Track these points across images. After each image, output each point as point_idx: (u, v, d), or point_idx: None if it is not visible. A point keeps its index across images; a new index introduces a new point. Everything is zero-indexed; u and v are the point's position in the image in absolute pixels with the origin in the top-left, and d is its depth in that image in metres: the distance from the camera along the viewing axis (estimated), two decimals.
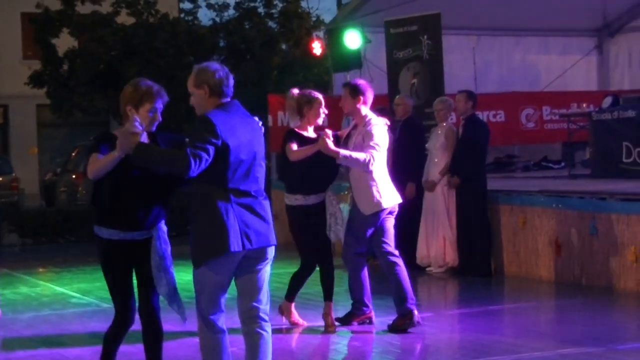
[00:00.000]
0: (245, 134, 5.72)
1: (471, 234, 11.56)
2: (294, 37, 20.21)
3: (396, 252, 8.56)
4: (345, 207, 12.45)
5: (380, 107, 13.18)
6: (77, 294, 11.18)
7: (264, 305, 5.79)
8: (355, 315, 8.66)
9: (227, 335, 5.82)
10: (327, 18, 20.68)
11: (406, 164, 12.31)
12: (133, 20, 20.25)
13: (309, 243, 8.53)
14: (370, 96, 8.48)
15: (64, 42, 21.54)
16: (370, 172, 8.24)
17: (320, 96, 8.59)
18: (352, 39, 16.53)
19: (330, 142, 7.94)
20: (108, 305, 10.16)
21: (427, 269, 11.98)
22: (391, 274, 8.49)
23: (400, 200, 8.63)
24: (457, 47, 18.21)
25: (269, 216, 5.79)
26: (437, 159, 11.96)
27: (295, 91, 8.68)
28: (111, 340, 6.17)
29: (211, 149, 5.54)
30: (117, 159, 5.74)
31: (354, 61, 16.79)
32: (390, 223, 8.54)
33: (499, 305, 10.11)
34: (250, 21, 20.43)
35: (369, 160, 8.13)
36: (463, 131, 11.75)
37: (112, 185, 5.90)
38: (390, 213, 8.53)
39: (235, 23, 20.38)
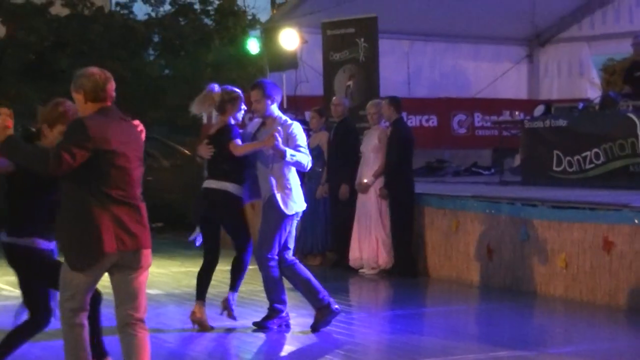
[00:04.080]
0: (121, 138, 5.76)
1: (398, 236, 11.72)
2: (229, 35, 20.19)
3: (291, 257, 8.44)
4: None
5: (317, 108, 13.30)
6: (7, 287, 11.01)
7: (140, 313, 5.79)
8: (271, 317, 8.50)
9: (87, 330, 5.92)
10: (263, 17, 20.68)
11: (340, 165, 12.40)
12: (67, 12, 20.08)
13: (244, 232, 8.63)
14: (279, 96, 8.54)
15: None
16: (287, 174, 8.27)
17: (240, 92, 8.63)
18: (289, 39, 16.55)
19: (280, 142, 8.01)
20: None
21: (360, 270, 12.06)
22: (294, 277, 8.44)
23: (304, 207, 8.58)
24: (391, 51, 18.33)
25: (146, 220, 5.83)
26: (370, 161, 12.06)
27: (217, 87, 8.67)
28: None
29: (78, 153, 5.60)
30: None
31: (290, 61, 16.81)
32: (293, 227, 8.48)
33: (430, 308, 10.23)
34: (186, 17, 20.37)
35: (308, 162, 8.29)
36: (389, 135, 11.91)
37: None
38: (296, 218, 8.49)
39: (170, 18, 20.30)
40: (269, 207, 8.31)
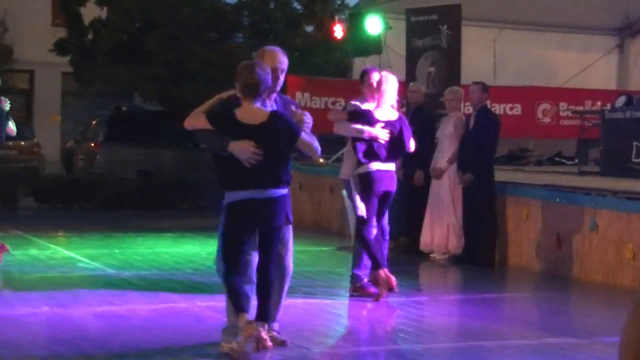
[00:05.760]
0: None
1: (476, 223, 11.68)
2: (317, 20, 20.35)
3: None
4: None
5: None
6: (85, 259, 11.40)
7: None
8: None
9: None
10: (351, 2, 20.82)
11: (415, 151, 12.45)
12: None
13: None
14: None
15: (91, 11, 21.79)
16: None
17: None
18: (373, 25, 16.65)
19: None
20: (113, 271, 10.44)
21: (430, 255, 12.15)
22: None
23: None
24: (478, 38, 18.31)
25: None
26: (446, 148, 12.11)
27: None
28: None
29: None
30: None
31: (374, 46, 16.92)
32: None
33: (495, 294, 10.26)
34: (275, 1, 20.61)
35: None
36: (474, 122, 11.86)
37: None
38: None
39: (259, 2, 20.55)
40: None
